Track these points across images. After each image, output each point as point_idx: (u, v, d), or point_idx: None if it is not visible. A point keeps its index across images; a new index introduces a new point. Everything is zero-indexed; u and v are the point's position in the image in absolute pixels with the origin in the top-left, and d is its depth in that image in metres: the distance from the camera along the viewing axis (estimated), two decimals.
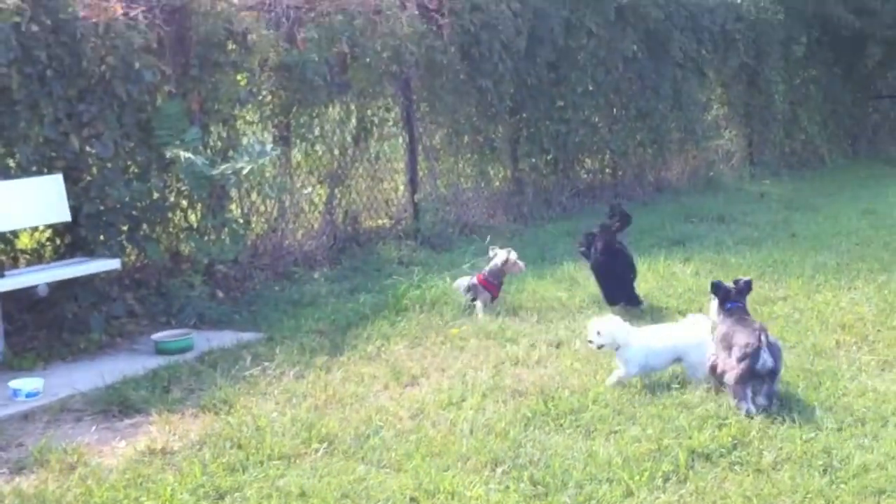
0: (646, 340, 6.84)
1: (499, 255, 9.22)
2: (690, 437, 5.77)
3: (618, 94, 15.93)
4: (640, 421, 6.11)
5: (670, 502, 5.07)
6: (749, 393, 6.20)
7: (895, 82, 24.73)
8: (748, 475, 5.34)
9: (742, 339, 6.33)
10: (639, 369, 6.78)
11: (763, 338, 6.24)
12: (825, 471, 5.36)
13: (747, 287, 6.90)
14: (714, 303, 7.01)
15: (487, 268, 9.18)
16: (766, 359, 6.18)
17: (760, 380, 6.21)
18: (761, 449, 5.64)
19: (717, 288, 6.90)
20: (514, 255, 9.25)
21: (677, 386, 6.66)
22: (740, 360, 6.25)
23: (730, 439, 5.74)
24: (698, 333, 6.83)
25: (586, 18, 14.62)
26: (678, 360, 6.87)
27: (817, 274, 9.95)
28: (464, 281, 9.27)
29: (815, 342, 7.66)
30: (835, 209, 14.79)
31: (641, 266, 10.02)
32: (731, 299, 6.78)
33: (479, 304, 8.98)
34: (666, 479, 5.30)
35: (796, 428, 5.92)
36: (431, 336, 8.14)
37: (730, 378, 6.29)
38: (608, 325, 6.89)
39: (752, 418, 6.07)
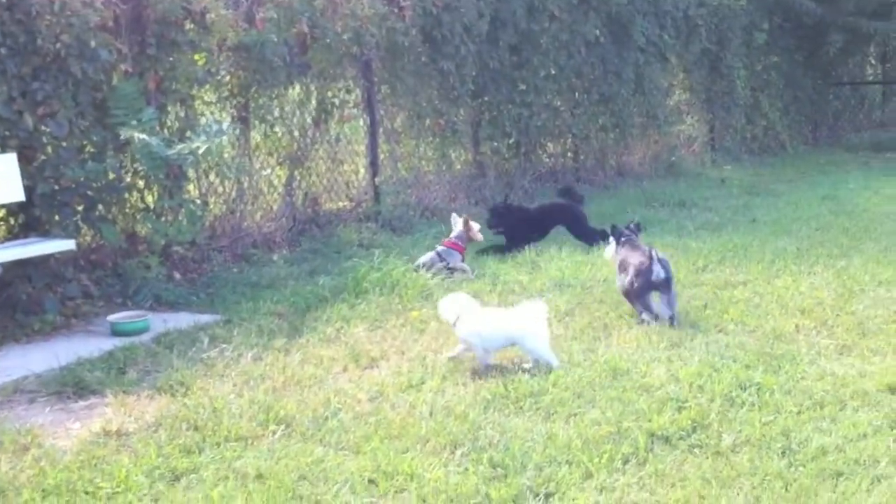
0: (477, 322, 6.85)
1: (459, 222, 9.76)
2: (650, 420, 5.77)
3: (580, 79, 15.87)
4: (599, 404, 6.09)
5: (630, 484, 5.05)
6: (651, 303, 7.59)
7: (856, 70, 24.99)
8: (707, 457, 5.34)
9: (635, 259, 7.70)
10: (482, 351, 6.84)
11: (653, 254, 7.60)
12: (784, 453, 5.37)
13: (638, 228, 8.56)
14: (612, 245, 8.44)
15: (453, 234, 9.69)
16: (658, 270, 7.52)
17: (659, 289, 7.56)
18: (720, 431, 5.64)
19: (614, 230, 8.47)
20: (474, 223, 9.84)
21: (638, 370, 6.65)
22: (636, 275, 7.62)
23: (689, 422, 5.74)
24: (534, 319, 6.82)
25: (549, 2, 14.56)
26: (513, 344, 6.90)
27: (777, 259, 9.98)
28: (425, 257, 9.44)
29: (775, 326, 7.68)
30: (795, 195, 14.89)
31: (601, 250, 10.21)
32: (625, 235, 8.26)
33: (460, 263, 9.55)
34: (625, 462, 5.29)
35: (755, 411, 5.94)
36: (391, 319, 8.08)
37: (633, 294, 7.70)
38: (445, 301, 7.07)
39: (649, 324, 7.51)
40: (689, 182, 16.51)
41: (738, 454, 5.38)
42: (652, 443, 5.52)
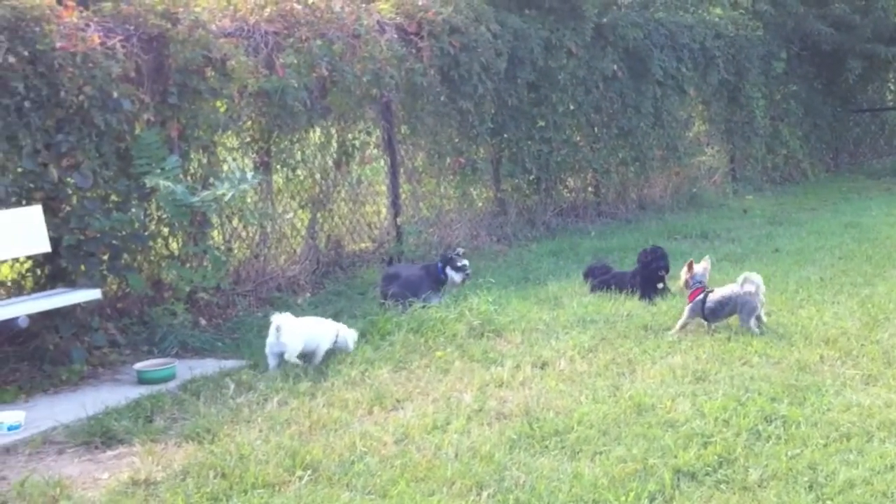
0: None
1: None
2: (676, 457, 5.76)
3: (599, 113, 15.94)
4: (625, 441, 6.09)
5: None
6: None
7: (875, 96, 24.88)
8: (734, 493, 5.33)
9: None
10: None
11: None
12: (811, 487, 5.35)
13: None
14: None
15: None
16: None
17: None
18: (747, 466, 5.63)
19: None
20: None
21: (662, 406, 6.64)
22: None
23: (715, 457, 5.73)
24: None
25: (566, 39, 14.66)
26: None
27: (801, 289, 9.96)
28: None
29: (799, 357, 7.65)
30: (818, 224, 14.83)
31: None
32: None
33: None
34: (652, 499, 5.28)
35: (782, 444, 5.92)
36: (415, 359, 8.10)
37: None
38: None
39: None
40: (711, 213, 16.49)
41: (765, 489, 5.36)
42: (678, 479, 5.51)
